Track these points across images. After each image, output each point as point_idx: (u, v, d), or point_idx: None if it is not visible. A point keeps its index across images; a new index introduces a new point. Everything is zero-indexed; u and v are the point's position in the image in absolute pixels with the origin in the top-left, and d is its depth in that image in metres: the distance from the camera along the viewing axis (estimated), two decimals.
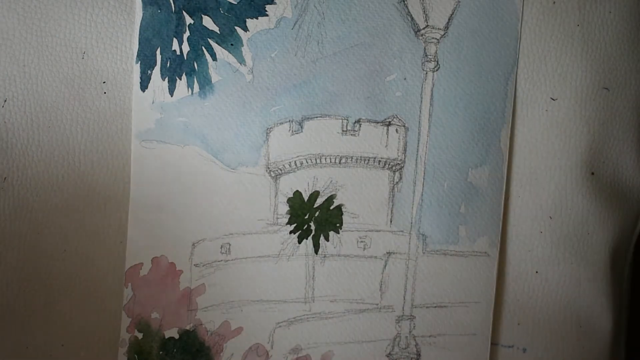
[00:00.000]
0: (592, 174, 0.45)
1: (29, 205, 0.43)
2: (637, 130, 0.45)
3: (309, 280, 0.45)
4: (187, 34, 0.42)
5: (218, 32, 0.42)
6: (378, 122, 0.44)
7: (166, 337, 0.45)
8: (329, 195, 0.44)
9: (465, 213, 0.45)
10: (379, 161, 0.44)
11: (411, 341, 0.46)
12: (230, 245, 0.44)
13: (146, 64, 0.42)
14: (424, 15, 0.43)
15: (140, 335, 0.44)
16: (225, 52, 0.42)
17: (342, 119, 0.43)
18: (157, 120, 0.43)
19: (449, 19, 0.43)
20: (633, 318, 0.50)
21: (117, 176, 0.43)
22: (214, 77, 0.43)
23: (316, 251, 0.45)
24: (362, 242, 0.45)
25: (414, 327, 0.45)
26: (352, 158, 0.44)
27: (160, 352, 0.45)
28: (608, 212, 0.45)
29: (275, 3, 0.42)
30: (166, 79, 0.43)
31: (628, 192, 0.46)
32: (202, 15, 0.42)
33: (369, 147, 0.44)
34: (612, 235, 0.46)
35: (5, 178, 0.42)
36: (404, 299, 0.45)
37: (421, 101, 0.44)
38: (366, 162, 0.44)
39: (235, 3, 0.42)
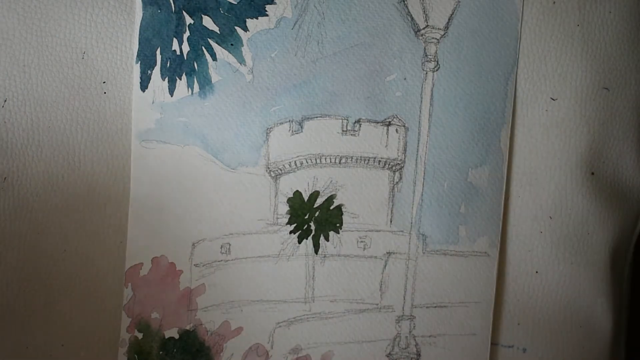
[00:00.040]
0: (592, 174, 0.45)
1: (29, 205, 0.43)
2: (637, 130, 0.45)
3: (309, 280, 0.45)
4: (187, 34, 0.42)
5: (218, 32, 0.42)
6: (378, 122, 0.44)
7: (166, 337, 0.45)
8: (329, 195, 0.44)
9: (465, 213, 0.45)
10: (379, 161, 0.44)
11: (411, 341, 0.46)
12: (230, 245, 0.44)
13: (146, 64, 0.42)
14: (424, 15, 0.43)
15: (140, 335, 0.44)
16: (225, 52, 0.42)
17: (342, 119, 0.43)
18: (157, 120, 0.43)
19: (449, 19, 0.43)
20: (633, 318, 0.50)
21: (117, 176, 0.43)
22: (214, 77, 0.43)
23: (316, 251, 0.45)
24: (362, 242, 0.45)
25: (414, 327, 0.45)
26: (352, 158, 0.44)
27: (160, 352, 0.45)
28: (608, 212, 0.45)
29: (275, 3, 0.42)
30: (166, 79, 0.43)
31: (628, 192, 0.46)
32: (202, 15, 0.42)
33: (369, 147, 0.44)
34: (612, 235, 0.46)
35: (5, 178, 0.42)
36: (404, 299, 0.45)
37: (421, 101, 0.44)
38: (366, 162, 0.44)
39: (235, 3, 0.42)
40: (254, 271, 0.45)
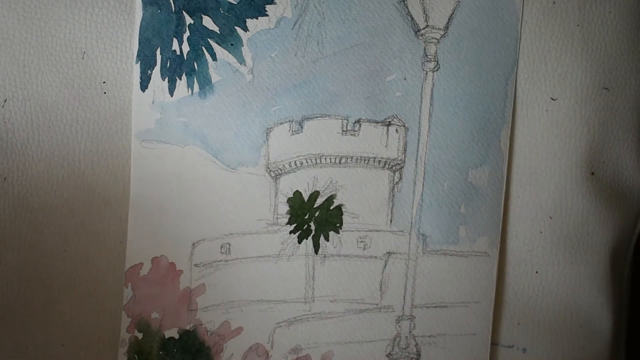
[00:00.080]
0: (592, 174, 0.45)
1: (29, 205, 0.43)
2: (637, 130, 0.45)
3: (309, 280, 0.45)
4: (187, 34, 0.42)
5: (218, 32, 0.42)
6: (378, 122, 0.44)
7: (166, 337, 0.45)
8: (329, 195, 0.44)
9: (465, 213, 0.44)
10: (379, 161, 0.44)
11: (411, 341, 0.46)
12: (230, 245, 0.44)
13: (146, 64, 0.42)
14: (424, 15, 0.43)
15: (140, 335, 0.44)
16: (225, 52, 0.42)
17: (342, 119, 0.43)
18: (157, 120, 0.43)
19: (449, 19, 0.43)
20: (633, 318, 0.50)
21: (117, 176, 0.43)
22: (214, 77, 0.43)
23: (316, 251, 0.45)
24: (362, 242, 0.45)
25: (414, 327, 0.45)
26: (352, 158, 0.44)
27: (160, 352, 0.45)
28: (608, 212, 0.45)
29: (275, 3, 0.42)
30: (166, 79, 0.43)
31: (628, 192, 0.46)
32: (202, 15, 0.42)
33: (369, 147, 0.44)
34: (612, 235, 0.46)
35: (5, 178, 0.42)
36: (404, 299, 0.45)
37: (421, 101, 0.44)
38: (366, 162, 0.44)
39: (235, 3, 0.42)
40: (254, 271, 0.45)
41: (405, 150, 0.44)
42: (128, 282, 0.44)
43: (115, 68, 0.42)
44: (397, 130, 0.44)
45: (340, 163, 0.44)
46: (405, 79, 0.43)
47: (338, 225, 0.45)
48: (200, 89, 0.43)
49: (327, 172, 0.44)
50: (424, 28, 0.43)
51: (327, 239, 0.45)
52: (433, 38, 0.43)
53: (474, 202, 0.44)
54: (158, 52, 0.42)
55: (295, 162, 0.44)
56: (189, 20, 0.42)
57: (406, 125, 0.44)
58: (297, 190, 0.44)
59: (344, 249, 0.45)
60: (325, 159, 0.44)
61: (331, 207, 0.44)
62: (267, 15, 0.42)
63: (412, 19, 0.43)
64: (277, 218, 0.44)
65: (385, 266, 0.45)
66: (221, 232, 0.44)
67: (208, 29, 0.42)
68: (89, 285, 0.44)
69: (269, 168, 0.44)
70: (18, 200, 0.43)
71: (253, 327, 0.45)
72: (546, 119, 0.44)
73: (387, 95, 0.43)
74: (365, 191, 0.44)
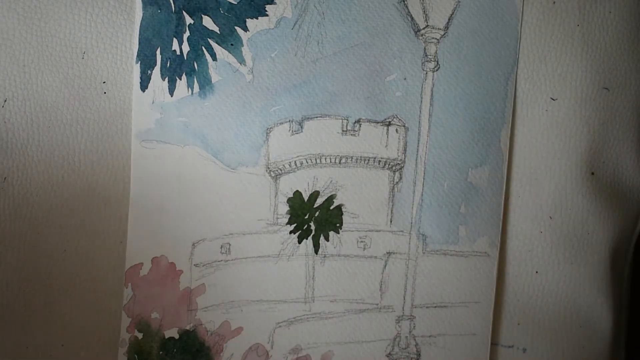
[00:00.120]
0: (592, 174, 0.45)
1: (29, 205, 0.43)
2: (637, 130, 0.45)
3: (309, 280, 0.45)
4: (187, 34, 0.42)
5: (218, 32, 0.42)
6: (378, 122, 0.44)
7: (166, 337, 0.45)
8: (329, 195, 0.44)
9: (465, 213, 0.45)
10: (379, 161, 0.44)
11: (411, 341, 0.46)
12: (230, 245, 0.44)
13: (146, 64, 0.42)
14: (424, 15, 0.43)
15: (140, 335, 0.44)
16: (225, 52, 0.42)
17: (342, 119, 0.43)
18: (157, 120, 0.43)
19: (449, 19, 0.43)
20: (633, 318, 0.50)
21: (117, 176, 0.43)
22: (214, 77, 0.43)
23: (316, 251, 0.45)
24: (362, 242, 0.45)
25: (414, 327, 0.45)
26: (352, 158, 0.44)
27: (160, 352, 0.45)
28: (608, 212, 0.45)
29: (275, 3, 0.42)
30: (166, 79, 0.43)
31: (628, 192, 0.46)
32: (202, 15, 0.42)
33: (369, 147, 0.44)
34: (612, 235, 0.46)
35: (5, 178, 0.42)
36: (404, 299, 0.45)
37: (421, 101, 0.44)
38: (366, 162, 0.44)
39: (235, 3, 0.42)
40: (254, 271, 0.45)
41: (405, 150, 0.44)
42: (128, 282, 0.44)
43: (115, 68, 0.42)
44: (397, 130, 0.44)
45: (340, 163, 0.44)
46: (405, 79, 0.43)
47: (338, 225, 0.45)
48: (200, 89, 0.43)
49: (327, 172, 0.44)
50: (424, 28, 0.43)
51: (327, 239, 0.45)
52: (433, 38, 0.43)
53: (474, 202, 0.44)
54: (158, 52, 0.42)
55: (295, 162, 0.44)
56: (189, 20, 0.42)
57: (406, 125, 0.44)
58: (297, 190, 0.44)
59: (344, 249, 0.45)
60: (325, 159, 0.44)
61: (331, 207, 0.44)
62: (267, 15, 0.42)
63: (412, 19, 0.43)
64: (277, 218, 0.44)
65: (385, 266, 0.45)
66: (221, 232, 0.44)
67: (208, 29, 0.42)
68: (89, 285, 0.44)
69: (269, 168, 0.44)
70: (18, 200, 0.43)
71: (253, 327, 0.45)
72: (546, 119, 0.44)
73: (387, 95, 0.43)
74: (365, 191, 0.44)
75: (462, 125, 0.44)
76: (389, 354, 0.46)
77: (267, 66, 0.43)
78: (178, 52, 0.42)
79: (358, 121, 0.44)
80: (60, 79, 0.42)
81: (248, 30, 0.42)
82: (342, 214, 0.44)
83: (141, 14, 0.42)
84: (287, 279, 0.45)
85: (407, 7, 0.43)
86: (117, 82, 0.42)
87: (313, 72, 0.43)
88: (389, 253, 0.45)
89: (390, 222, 0.45)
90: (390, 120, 0.44)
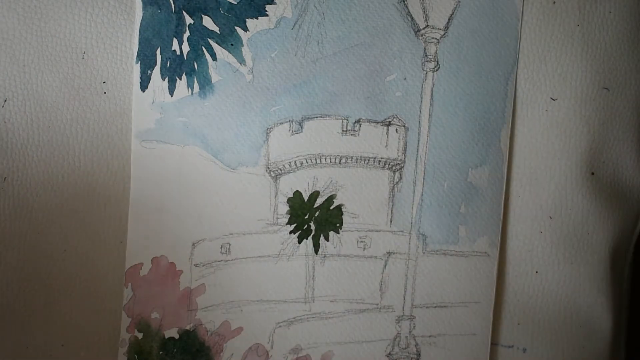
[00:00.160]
0: (592, 174, 0.45)
1: (29, 205, 0.43)
2: (637, 130, 0.45)
3: (309, 280, 0.45)
4: (187, 34, 0.42)
5: (218, 32, 0.42)
6: (378, 122, 0.44)
7: (166, 337, 0.45)
8: (329, 195, 0.44)
9: (465, 213, 0.45)
10: (379, 161, 0.44)
11: (411, 341, 0.46)
12: (230, 245, 0.44)
13: (146, 64, 0.42)
14: (424, 15, 0.43)
15: (140, 335, 0.44)
16: (225, 52, 0.42)
17: (342, 119, 0.43)
18: (157, 120, 0.43)
19: (449, 19, 0.43)
20: (633, 318, 0.50)
21: (117, 176, 0.43)
22: (214, 77, 0.43)
23: (316, 251, 0.45)
24: (362, 242, 0.45)
25: (414, 327, 0.45)
26: (352, 158, 0.44)
27: (160, 352, 0.45)
28: (608, 212, 0.45)
29: (275, 3, 0.42)
30: (166, 79, 0.43)
31: (628, 192, 0.46)
32: (202, 15, 0.42)
33: (369, 147, 0.44)
34: (612, 235, 0.46)
35: (5, 178, 0.42)
36: (404, 299, 0.45)
37: (421, 101, 0.44)
38: (366, 162, 0.44)
39: (235, 3, 0.42)
40: (254, 271, 0.45)
41: (405, 150, 0.44)
42: (128, 282, 0.44)
43: (115, 68, 0.42)
44: (397, 130, 0.44)
45: (340, 163, 0.44)
46: (405, 79, 0.43)
47: (338, 225, 0.45)
48: (200, 89, 0.43)
49: (327, 172, 0.44)
50: (424, 28, 0.43)
51: (327, 239, 0.45)
52: (433, 38, 0.43)
53: (474, 202, 0.44)
54: (158, 52, 0.42)
55: (295, 162, 0.44)
56: (189, 20, 0.42)
57: (406, 125, 0.44)
58: (297, 190, 0.44)
59: (344, 249, 0.45)
60: (325, 159, 0.44)
61: (331, 207, 0.44)
62: (267, 15, 0.42)
63: (412, 19, 0.43)
64: (277, 218, 0.44)
65: (385, 266, 0.45)
66: (221, 232, 0.44)
67: (208, 29, 0.42)
68: (89, 285, 0.44)
69: (269, 168, 0.44)
70: (18, 200, 0.43)
71: (253, 327, 0.45)
72: (546, 119, 0.44)
73: (387, 95, 0.43)
74: (365, 191, 0.44)
75: (462, 125, 0.44)
76: (389, 354, 0.46)
77: (267, 66, 0.43)
78: (178, 52, 0.42)
79: (358, 121, 0.44)
80: (60, 79, 0.42)
81: (248, 30, 0.42)
82: (342, 214, 0.44)
83: (141, 14, 0.42)
84: (287, 279, 0.45)
85: (407, 7, 0.43)
86: (117, 82, 0.42)
87: (313, 72, 0.43)
88: (389, 253, 0.45)
89: (390, 222, 0.45)
90: (390, 120, 0.44)
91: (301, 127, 0.43)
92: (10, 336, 0.44)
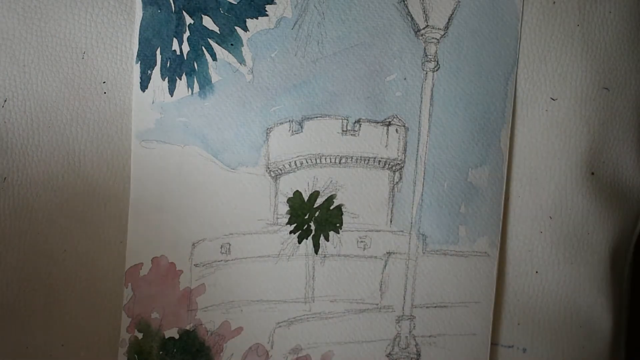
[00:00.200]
0: (592, 174, 0.45)
1: (29, 205, 0.43)
2: (637, 130, 0.45)
3: (309, 280, 0.45)
4: (187, 34, 0.42)
5: (218, 32, 0.42)
6: (378, 122, 0.44)
7: (166, 337, 0.45)
8: (329, 195, 0.44)
9: (465, 213, 0.45)
10: (379, 161, 0.44)
11: (411, 341, 0.46)
12: (230, 245, 0.44)
13: (146, 64, 0.42)
14: (424, 15, 0.43)
15: (140, 335, 0.44)
16: (225, 52, 0.42)
17: (342, 119, 0.43)
18: (157, 120, 0.43)
19: (449, 19, 0.43)
20: (633, 318, 0.50)
21: (117, 176, 0.43)
22: (214, 77, 0.43)
23: (316, 251, 0.45)
24: (362, 242, 0.45)
25: (414, 327, 0.45)
26: (352, 158, 0.44)
27: (160, 352, 0.45)
28: (608, 212, 0.45)
29: (275, 3, 0.42)
30: (166, 79, 0.43)
31: (628, 192, 0.46)
32: (202, 15, 0.42)
33: (369, 147, 0.44)
34: (612, 235, 0.46)
35: (5, 178, 0.42)
36: (404, 299, 0.45)
37: (421, 101, 0.44)
38: (366, 162, 0.44)
39: (235, 3, 0.42)
40: (254, 271, 0.45)
41: (405, 150, 0.44)
42: (128, 282, 0.44)
43: (115, 68, 0.42)
44: (397, 130, 0.44)
45: (340, 163, 0.44)
46: (405, 79, 0.43)
47: (338, 225, 0.45)
48: (200, 89, 0.43)
49: (327, 172, 0.44)
50: (424, 28, 0.43)
51: (327, 239, 0.45)
52: (433, 38, 0.43)
53: (474, 202, 0.44)
54: (158, 52, 0.42)
55: (295, 162, 0.44)
56: (189, 20, 0.42)
57: (406, 125, 0.44)
58: (297, 190, 0.44)
59: (344, 249, 0.45)
60: (325, 159, 0.44)
61: (331, 207, 0.44)
62: (267, 15, 0.42)
63: (412, 19, 0.43)
64: (277, 218, 0.44)
65: (385, 266, 0.45)
66: (221, 232, 0.44)
67: (208, 29, 0.42)
68: (89, 285, 0.44)
69: (269, 168, 0.44)
70: (18, 200, 0.43)
71: (253, 327, 0.45)
72: (546, 119, 0.44)
73: (387, 95, 0.43)
74: (365, 191, 0.44)
75: (462, 125, 0.44)
76: (389, 354, 0.46)
77: (267, 66, 0.43)
78: (178, 52, 0.42)
79: (358, 121, 0.44)
80: (60, 79, 0.42)
81: (248, 30, 0.42)
82: (342, 214, 0.44)
83: (141, 14, 0.42)
84: (287, 279, 0.45)
85: (407, 7, 0.43)
86: (117, 82, 0.42)
87: (313, 72, 0.43)
88: (389, 253, 0.45)
89: (390, 222, 0.45)
90: (390, 120, 0.44)
91: (301, 127, 0.43)
92: (10, 336, 0.44)
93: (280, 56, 0.43)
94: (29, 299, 0.43)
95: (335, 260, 0.45)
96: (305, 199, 0.44)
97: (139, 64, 0.42)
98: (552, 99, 0.44)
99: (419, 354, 0.46)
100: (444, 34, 0.43)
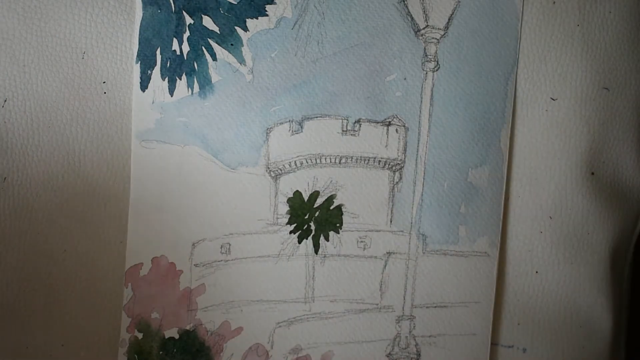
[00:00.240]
0: (592, 174, 0.45)
1: (29, 205, 0.43)
2: (637, 130, 0.45)
3: (309, 280, 0.45)
4: (187, 34, 0.42)
5: (218, 32, 0.42)
6: (378, 122, 0.44)
7: (166, 337, 0.45)
8: (329, 195, 0.44)
9: (465, 213, 0.45)
10: (379, 161, 0.44)
11: (411, 341, 0.46)
12: (230, 245, 0.44)
13: (146, 64, 0.42)
14: (424, 15, 0.43)
15: (140, 335, 0.44)
16: (225, 52, 0.42)
17: (342, 119, 0.43)
18: (157, 120, 0.43)
19: (449, 19, 0.43)
20: (633, 318, 0.50)
21: (117, 176, 0.43)
22: (214, 77, 0.43)
23: (316, 251, 0.45)
24: (362, 242, 0.45)
25: (414, 327, 0.45)
26: (352, 158, 0.44)
27: (160, 352, 0.45)
28: (608, 212, 0.45)
29: (275, 3, 0.42)
30: (166, 79, 0.43)
31: (628, 192, 0.46)
32: (202, 15, 0.42)
33: (369, 147, 0.44)
34: (612, 235, 0.46)
35: (5, 178, 0.42)
36: (404, 299, 0.45)
37: (421, 101, 0.44)
38: (366, 162, 0.44)
39: (235, 3, 0.42)
40: (254, 271, 0.45)
41: (405, 150, 0.44)
42: (128, 282, 0.44)
43: (115, 68, 0.42)
44: (397, 130, 0.44)
45: (340, 163, 0.44)
46: (405, 79, 0.43)
47: (338, 225, 0.45)
48: (200, 89, 0.43)
49: (327, 172, 0.44)
50: (424, 28, 0.43)
51: (327, 239, 0.45)
52: (433, 38, 0.43)
53: (474, 202, 0.44)
54: (158, 52, 0.42)
55: (295, 162, 0.44)
56: (189, 20, 0.42)
57: (406, 125, 0.44)
58: (297, 190, 0.44)
59: (344, 249, 0.45)
60: (325, 159, 0.44)
61: (331, 207, 0.44)
62: (267, 15, 0.42)
63: (412, 19, 0.43)
64: (277, 218, 0.44)
65: (385, 266, 0.45)
66: (221, 232, 0.44)
67: (208, 29, 0.42)
68: (89, 285, 0.44)
69: (269, 168, 0.44)
70: (18, 200, 0.43)
71: (253, 327, 0.45)
72: (546, 119, 0.44)
73: (387, 95, 0.43)
74: (365, 191, 0.44)
75: (462, 125, 0.44)
76: (389, 354, 0.46)
77: (267, 66, 0.43)
78: (178, 52, 0.42)
79: (358, 121, 0.44)
80: (60, 79, 0.42)
81: (248, 30, 0.42)
82: (342, 214, 0.44)
83: (141, 14, 0.42)
84: (287, 279, 0.45)
85: (407, 7, 0.43)
86: (117, 82, 0.42)
87: (313, 72, 0.43)
88: (389, 253, 0.45)
89: (390, 222, 0.45)
90: (390, 120, 0.44)
91: (301, 127, 0.43)
92: (10, 336, 0.44)
93: (280, 56, 0.43)
94: (29, 299, 0.43)
95: (335, 260, 0.45)
96: (305, 199, 0.44)
97: (139, 64, 0.42)
98: (552, 99, 0.44)
99: (419, 354, 0.46)
100: (444, 34, 0.43)
